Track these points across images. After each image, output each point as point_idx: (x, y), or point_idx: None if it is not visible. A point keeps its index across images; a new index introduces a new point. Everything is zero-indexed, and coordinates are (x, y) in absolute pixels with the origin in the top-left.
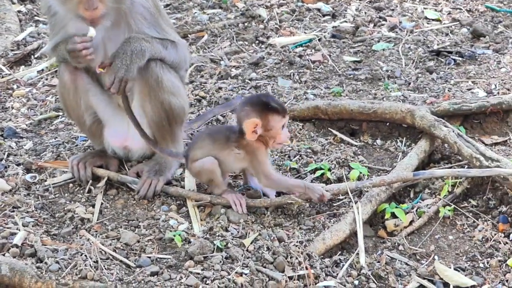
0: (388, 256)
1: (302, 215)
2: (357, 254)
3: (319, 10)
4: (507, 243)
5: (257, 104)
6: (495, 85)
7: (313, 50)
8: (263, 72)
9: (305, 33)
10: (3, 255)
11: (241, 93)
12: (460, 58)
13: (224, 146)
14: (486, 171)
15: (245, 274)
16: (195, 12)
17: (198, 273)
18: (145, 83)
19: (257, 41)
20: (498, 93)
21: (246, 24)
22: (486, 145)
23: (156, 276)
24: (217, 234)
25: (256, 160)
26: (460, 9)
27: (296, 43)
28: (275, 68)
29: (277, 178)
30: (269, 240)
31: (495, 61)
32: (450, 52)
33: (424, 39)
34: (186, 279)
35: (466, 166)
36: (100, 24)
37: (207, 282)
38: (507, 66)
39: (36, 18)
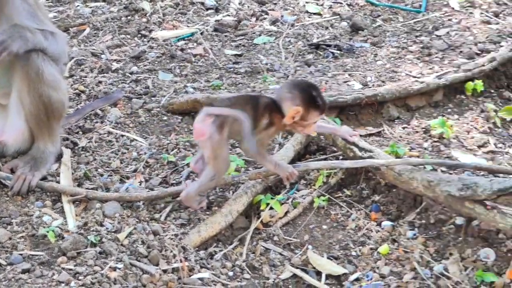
0: (263, 246)
1: (178, 208)
2: (232, 245)
3: (202, 3)
4: (378, 231)
5: (306, 94)
6: (371, 78)
7: (195, 44)
8: (144, 66)
9: (188, 26)
10: None
11: (121, 87)
12: (339, 51)
13: (260, 113)
14: (359, 162)
15: (119, 269)
16: (78, 6)
17: (71, 269)
18: (25, 75)
19: (139, 35)
20: (374, 85)
21: (129, 17)
22: (361, 136)
23: (27, 273)
24: (91, 229)
25: (268, 133)
26: (341, 3)
27: (178, 36)
28: (156, 62)
29: (255, 150)
30: (144, 234)
31: (372, 54)
32: (329, 46)
33: (305, 33)
34: (58, 275)
35: (341, 157)
36: None
37: (80, 277)
38: (383, 59)
39: None
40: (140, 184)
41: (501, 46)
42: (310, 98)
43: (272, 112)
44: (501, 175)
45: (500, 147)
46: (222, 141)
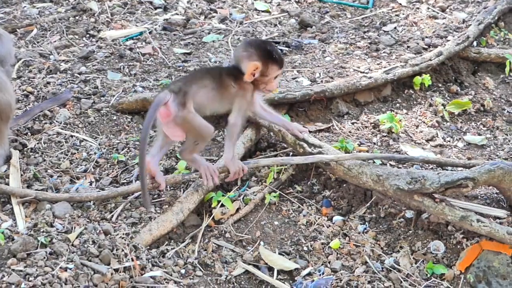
0: (215, 244)
1: (129, 207)
2: (184, 243)
3: (151, 3)
4: (329, 226)
5: (262, 50)
6: (320, 74)
7: (143, 43)
8: (93, 65)
9: (137, 26)
10: None
11: (69, 87)
12: (287, 48)
13: (225, 82)
14: (309, 158)
15: (70, 269)
16: (24, 6)
17: (21, 271)
18: None
19: (87, 35)
20: (322, 81)
21: (77, 17)
22: (310, 132)
23: None
24: (41, 230)
25: (244, 97)
26: (289, 0)
27: (127, 36)
28: (105, 62)
29: (239, 127)
30: (95, 233)
31: (321, 50)
32: (278, 43)
33: (253, 30)
34: (8, 277)
35: (291, 153)
36: None
37: (30, 279)
38: (331, 55)
39: None
40: (90, 184)
41: (448, 40)
42: (266, 52)
43: (236, 78)
44: (449, 168)
45: (449, 141)
46: (189, 114)
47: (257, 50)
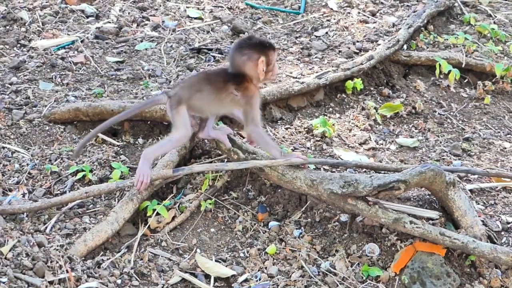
0: (151, 253)
1: (63, 218)
2: (120, 253)
3: (83, 11)
4: (266, 231)
5: (255, 45)
6: None
7: (75, 52)
8: (24, 76)
9: (68, 35)
10: None
11: (0, 98)
12: (220, 55)
13: (223, 88)
14: (243, 164)
15: (3, 283)
16: None
17: None
18: None
19: (18, 45)
20: None
21: (7, 27)
22: (243, 138)
23: None
24: None
25: (250, 105)
26: (222, 7)
27: (58, 45)
28: (36, 72)
29: (262, 129)
30: (29, 246)
31: None
32: (211, 49)
33: (186, 38)
34: None
35: (225, 160)
36: None
37: None
38: None
39: None
40: (23, 196)
41: (379, 44)
42: (259, 44)
43: (239, 84)
44: (381, 172)
45: (381, 144)
46: (176, 115)
47: (252, 47)
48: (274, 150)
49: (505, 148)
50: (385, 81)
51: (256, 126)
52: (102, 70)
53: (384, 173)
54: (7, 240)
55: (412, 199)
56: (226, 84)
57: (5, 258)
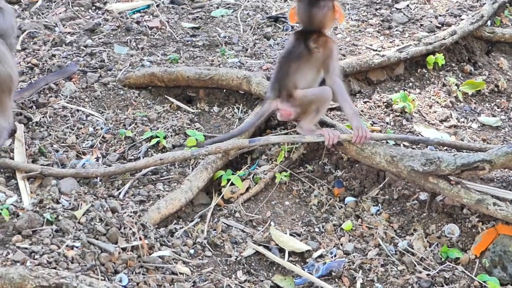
0: (225, 223)
1: (137, 184)
2: (193, 222)
3: None
4: (342, 207)
5: None
6: None
7: (151, 16)
8: (99, 38)
9: None
10: None
11: (75, 60)
12: (297, 24)
13: (308, 53)
14: (320, 137)
15: (76, 247)
16: None
17: (26, 248)
18: None
19: (93, 7)
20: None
21: None
22: None
23: None
24: (47, 207)
25: (331, 57)
26: None
27: (134, 9)
28: (111, 35)
29: (342, 82)
30: (102, 211)
31: (332, 27)
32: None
33: (263, 6)
34: (13, 254)
35: None
36: None
37: (35, 257)
38: (343, 32)
39: None
40: (97, 160)
41: (462, 19)
42: None
43: (316, 41)
44: (464, 151)
45: (463, 122)
46: (299, 95)
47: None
48: (349, 107)
49: None
50: (467, 57)
51: (338, 77)
52: (177, 36)
53: (467, 152)
54: (81, 204)
55: (495, 180)
56: (307, 48)
57: (79, 222)
